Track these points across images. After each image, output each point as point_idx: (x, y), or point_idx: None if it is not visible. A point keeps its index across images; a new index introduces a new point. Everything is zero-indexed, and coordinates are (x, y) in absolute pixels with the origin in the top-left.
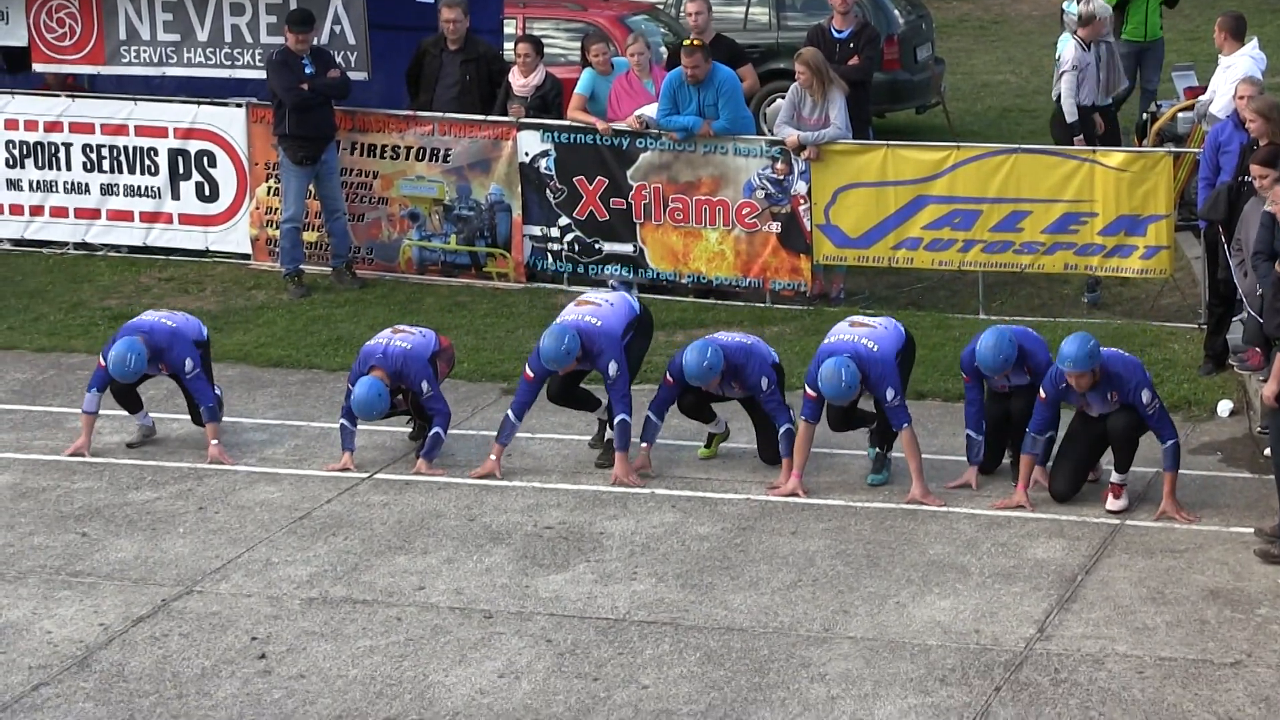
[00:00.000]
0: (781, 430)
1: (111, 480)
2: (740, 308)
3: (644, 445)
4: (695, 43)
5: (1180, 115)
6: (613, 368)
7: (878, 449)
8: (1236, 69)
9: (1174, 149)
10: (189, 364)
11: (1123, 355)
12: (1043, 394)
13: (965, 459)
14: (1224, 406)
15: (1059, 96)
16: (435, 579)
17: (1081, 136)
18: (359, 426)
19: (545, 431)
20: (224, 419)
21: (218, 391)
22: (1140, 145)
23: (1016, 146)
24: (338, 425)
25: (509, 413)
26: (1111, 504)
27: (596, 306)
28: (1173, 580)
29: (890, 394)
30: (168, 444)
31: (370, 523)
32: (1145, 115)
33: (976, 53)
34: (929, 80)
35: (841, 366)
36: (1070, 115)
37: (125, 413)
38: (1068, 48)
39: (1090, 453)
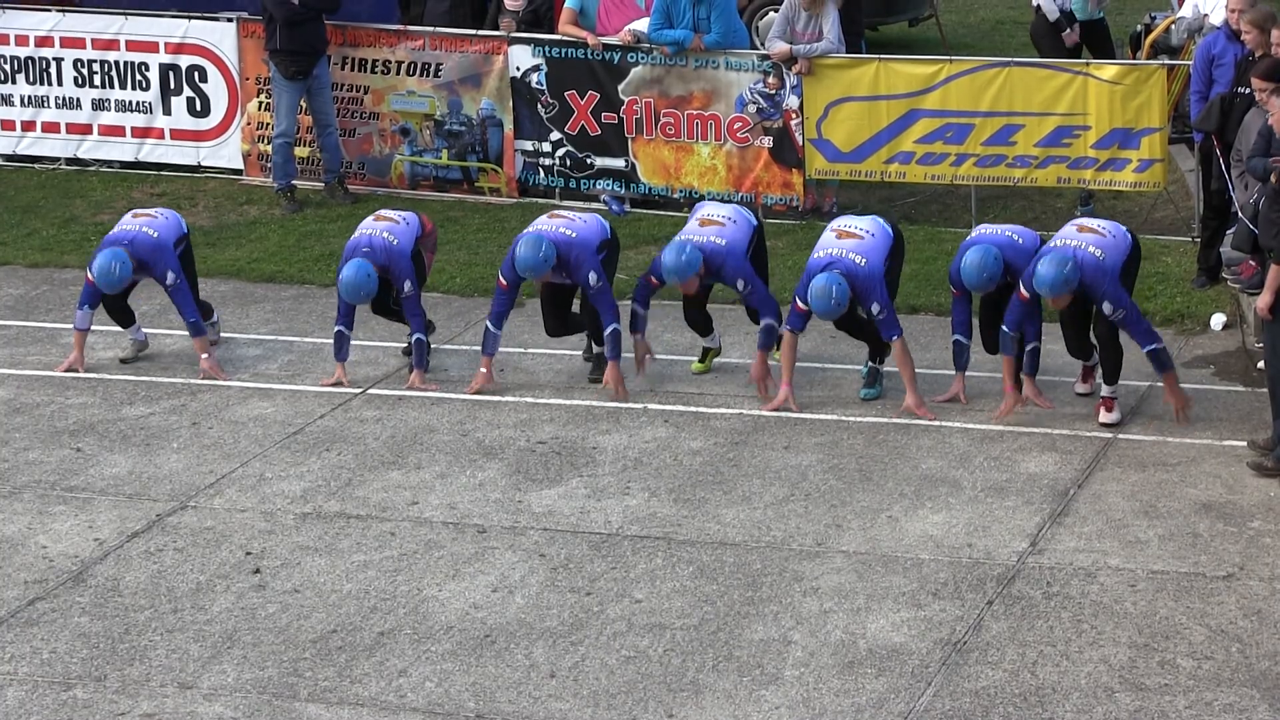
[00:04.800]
0: (763, 324)
1: (105, 396)
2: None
3: (636, 335)
4: None
5: (1173, 27)
6: (593, 278)
7: (870, 363)
8: None
9: (1167, 61)
10: (171, 276)
11: (1097, 263)
12: (1023, 292)
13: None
14: (1217, 320)
15: (1038, 5)
16: (428, 494)
17: (1069, 31)
18: (353, 335)
19: (537, 347)
20: (223, 335)
21: (206, 304)
22: (1134, 58)
23: (1009, 60)
24: (332, 336)
25: (488, 324)
26: (1104, 417)
27: (570, 220)
28: (1165, 494)
29: (877, 308)
30: (161, 359)
31: (363, 438)
32: (1139, 27)
33: None
34: None
35: (833, 284)
36: (1052, 14)
37: (118, 327)
38: None
39: (1084, 318)
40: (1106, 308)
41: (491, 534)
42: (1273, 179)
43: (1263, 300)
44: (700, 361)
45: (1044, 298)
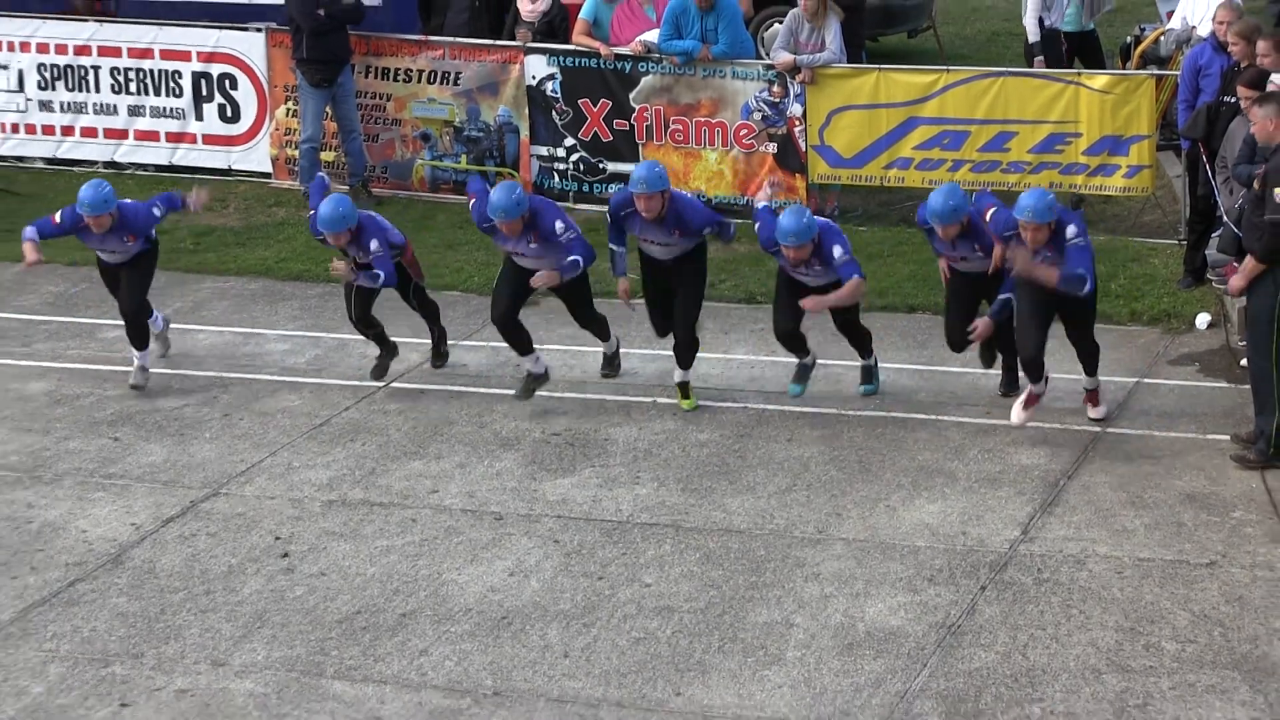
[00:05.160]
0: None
1: (76, 422)
2: (737, 224)
3: (620, 278)
4: None
5: (1162, 39)
6: (559, 225)
7: (864, 361)
8: None
9: (1156, 71)
10: (158, 213)
11: (1071, 214)
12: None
13: (953, 370)
14: (1202, 319)
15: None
16: (448, 483)
17: (1042, 58)
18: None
19: (553, 343)
20: (247, 330)
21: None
22: (1124, 68)
23: (1004, 70)
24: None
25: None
26: (1092, 413)
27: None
28: (1151, 485)
29: (839, 251)
30: (194, 354)
31: (386, 429)
32: (1129, 39)
33: None
34: (921, 5)
35: (802, 213)
36: (1031, 35)
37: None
38: None
39: (1046, 309)
40: (1071, 230)
41: (508, 521)
42: (1255, 185)
43: (1234, 281)
44: (685, 398)
45: (1026, 222)
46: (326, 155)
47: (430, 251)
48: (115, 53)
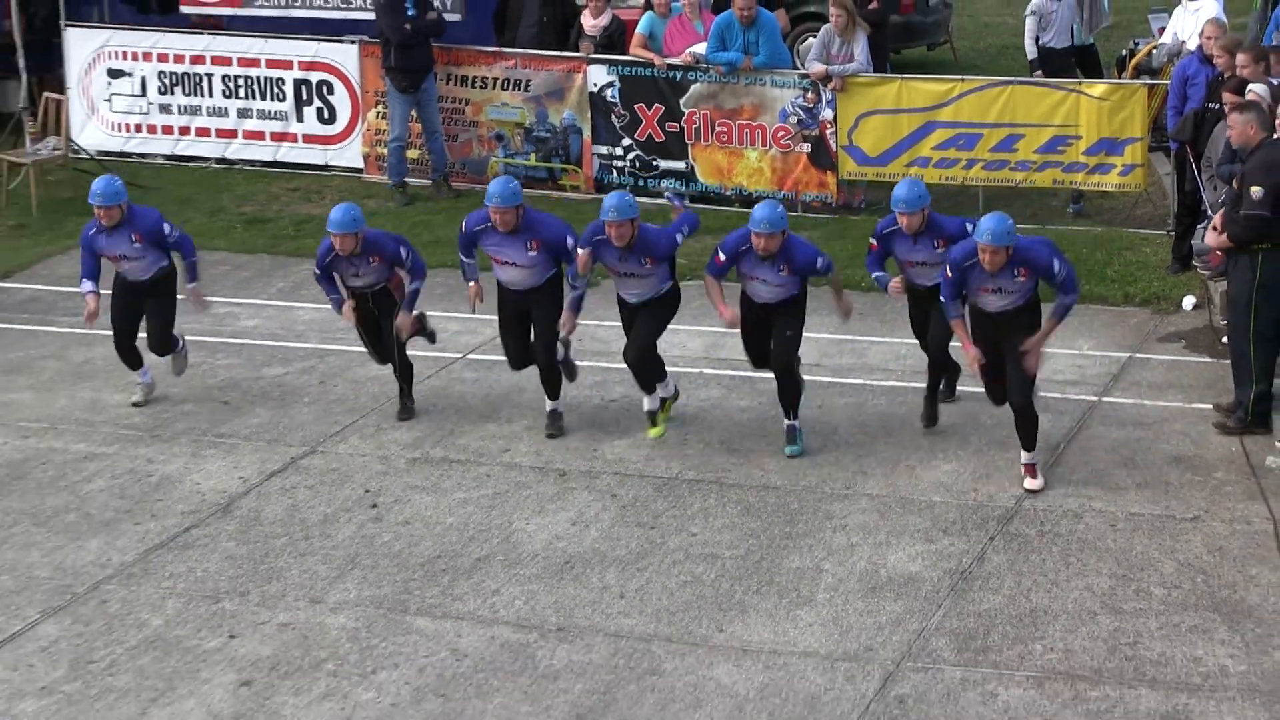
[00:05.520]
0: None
1: (248, 359)
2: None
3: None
4: None
5: (1154, 51)
6: (569, 240)
7: (787, 420)
8: (1204, 11)
9: (1148, 81)
10: (167, 228)
11: (1033, 238)
12: (948, 271)
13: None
14: (1188, 301)
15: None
16: (518, 443)
17: (1040, 72)
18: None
19: (611, 320)
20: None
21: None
22: (1120, 78)
23: (1013, 79)
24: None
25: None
26: (1029, 484)
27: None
28: (1142, 448)
29: (820, 261)
30: (294, 329)
31: (463, 395)
32: (1124, 52)
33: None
34: (939, 21)
35: (775, 205)
36: (1029, 54)
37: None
38: None
39: (998, 355)
40: (1056, 265)
41: (571, 477)
42: (1234, 184)
43: (1209, 237)
44: (653, 425)
45: (985, 245)
46: (412, 153)
47: None
48: (226, 62)
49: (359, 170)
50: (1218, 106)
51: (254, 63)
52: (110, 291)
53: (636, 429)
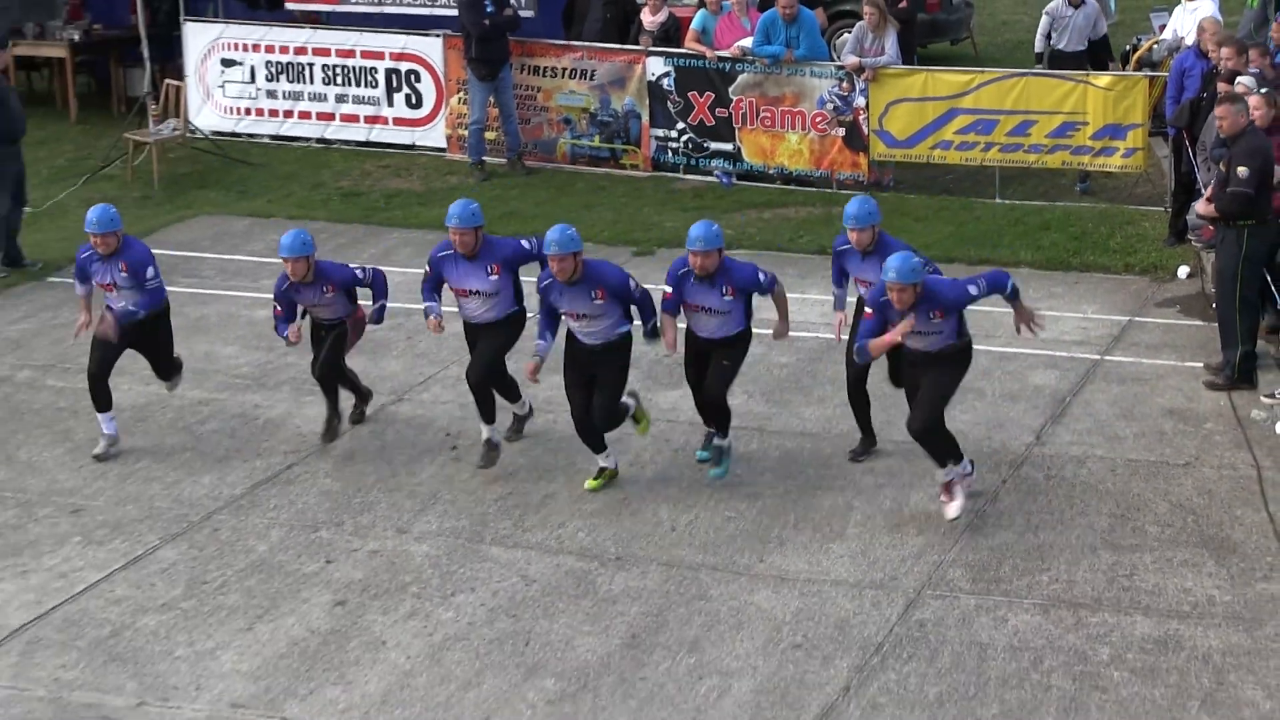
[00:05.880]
0: (650, 324)
1: None
2: (813, 193)
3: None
4: None
5: (1155, 46)
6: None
7: (715, 439)
8: (1201, 10)
9: (1149, 73)
10: (151, 270)
11: (945, 280)
12: (867, 310)
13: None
14: (1183, 270)
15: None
16: None
17: (1042, 66)
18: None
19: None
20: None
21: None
22: (1123, 70)
23: (1027, 71)
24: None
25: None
26: (950, 511)
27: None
28: (1139, 402)
29: (763, 277)
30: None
31: (531, 349)
32: (1128, 47)
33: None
34: (961, 19)
35: (711, 224)
36: (1037, 47)
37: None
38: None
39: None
40: (972, 289)
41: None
42: (1221, 166)
43: (1200, 205)
44: (595, 478)
45: (891, 282)
46: (490, 135)
47: (569, 211)
48: (325, 53)
49: (442, 150)
50: (1211, 96)
51: (350, 54)
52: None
53: (685, 383)
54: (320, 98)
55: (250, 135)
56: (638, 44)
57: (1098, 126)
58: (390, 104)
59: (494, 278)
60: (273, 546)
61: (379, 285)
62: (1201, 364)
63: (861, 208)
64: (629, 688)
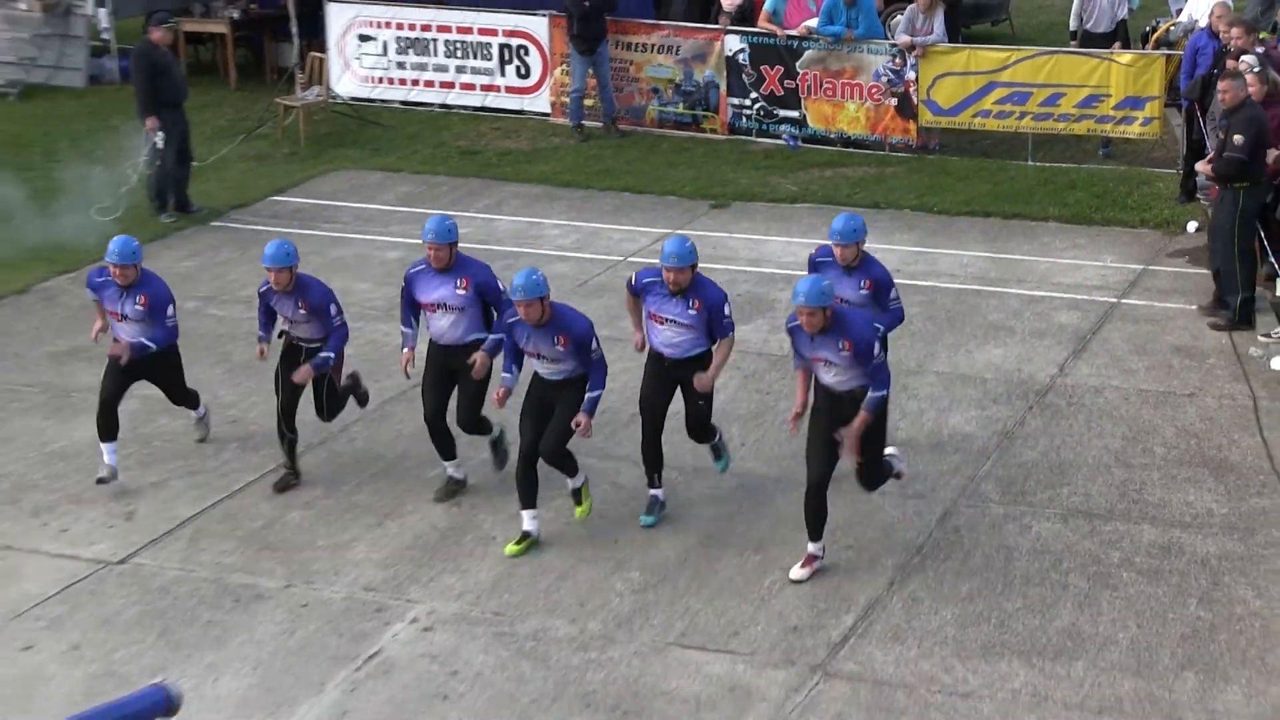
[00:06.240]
0: (594, 395)
1: None
2: (868, 154)
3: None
4: None
5: (1172, 28)
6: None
7: (713, 441)
8: None
9: (1166, 51)
10: (170, 309)
11: (860, 313)
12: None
13: (1015, 257)
14: (1191, 225)
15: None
16: None
17: (1075, 43)
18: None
19: (739, 233)
20: (532, 219)
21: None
22: (1144, 49)
23: (1058, 49)
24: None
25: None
26: (795, 573)
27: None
28: (1151, 339)
29: (727, 308)
30: (495, 235)
31: (621, 287)
32: (1147, 28)
33: None
34: (1001, 2)
35: (685, 240)
36: (1071, 26)
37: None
38: None
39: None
40: (875, 350)
41: None
42: (1221, 134)
43: (1202, 166)
44: (516, 543)
45: (799, 305)
46: (588, 102)
47: (656, 168)
48: (447, 29)
49: (547, 114)
50: (1219, 72)
51: (468, 30)
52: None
53: (756, 316)
54: (442, 69)
55: (382, 101)
56: (717, 23)
57: (1119, 98)
58: (502, 74)
59: (462, 293)
60: (399, 455)
61: (337, 338)
62: (1200, 306)
63: (848, 224)
64: (703, 580)
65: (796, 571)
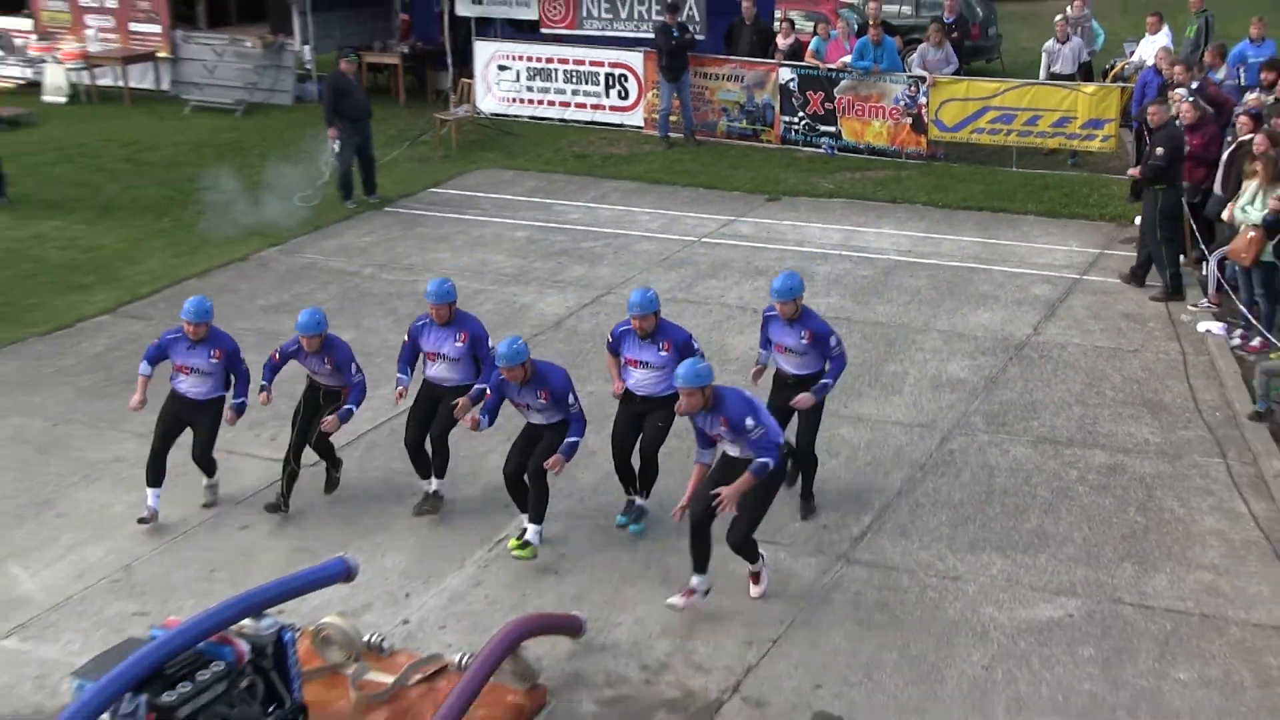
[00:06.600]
0: (571, 441)
1: (571, 237)
2: (889, 161)
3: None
4: (875, 26)
5: (1125, 66)
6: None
7: (639, 500)
8: (1158, 41)
9: (1121, 84)
10: (242, 359)
11: (735, 392)
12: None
13: (999, 241)
14: (1138, 219)
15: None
16: (731, 291)
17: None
18: (297, 347)
19: (787, 220)
20: (627, 209)
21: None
22: (1104, 82)
23: (1037, 81)
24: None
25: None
26: (672, 600)
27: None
28: (1105, 308)
29: (695, 345)
30: (598, 221)
31: (695, 261)
32: (1107, 66)
33: (1020, 30)
34: (994, 45)
35: (648, 290)
36: (1041, 76)
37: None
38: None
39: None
40: (749, 420)
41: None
42: (1148, 147)
43: (1131, 170)
44: (519, 543)
45: (678, 386)
46: (673, 118)
47: (724, 170)
48: (565, 62)
49: (640, 127)
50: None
51: (582, 62)
52: (162, 402)
53: None
54: (561, 92)
55: (515, 116)
56: (773, 59)
57: (1084, 120)
58: (607, 96)
59: (460, 344)
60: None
61: (357, 392)
62: (1152, 294)
63: (785, 283)
64: None
65: (673, 599)
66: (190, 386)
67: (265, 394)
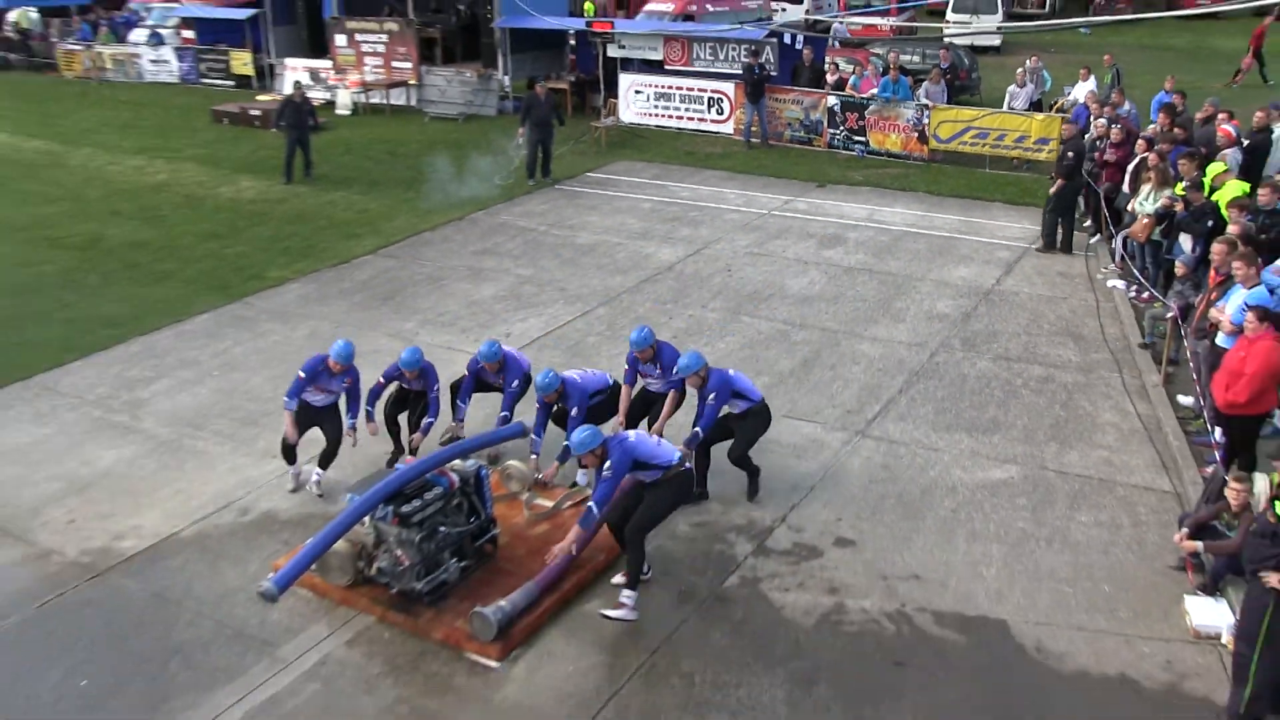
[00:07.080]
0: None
1: (643, 218)
2: (901, 162)
3: (533, 456)
4: (894, 68)
5: (1065, 102)
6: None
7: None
8: (1087, 85)
9: (1062, 115)
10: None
11: (624, 441)
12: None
13: (975, 220)
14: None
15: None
16: (790, 247)
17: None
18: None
19: (830, 200)
20: (717, 188)
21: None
22: (1050, 113)
23: (1004, 110)
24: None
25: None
26: (606, 610)
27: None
28: (1045, 268)
29: (679, 365)
30: (679, 196)
31: (766, 227)
32: (1052, 102)
33: (993, 75)
34: (975, 84)
35: (643, 328)
36: (1004, 106)
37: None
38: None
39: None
40: (608, 470)
41: (811, 266)
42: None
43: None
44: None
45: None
46: (754, 129)
47: (788, 165)
48: (681, 88)
49: (730, 134)
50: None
51: (691, 89)
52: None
53: (837, 245)
54: (677, 109)
55: (645, 125)
56: (824, 89)
57: (1036, 138)
58: (708, 113)
59: (513, 389)
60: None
61: (435, 408)
62: (1035, 246)
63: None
64: (799, 383)
65: (608, 610)
66: (317, 400)
67: (372, 424)
